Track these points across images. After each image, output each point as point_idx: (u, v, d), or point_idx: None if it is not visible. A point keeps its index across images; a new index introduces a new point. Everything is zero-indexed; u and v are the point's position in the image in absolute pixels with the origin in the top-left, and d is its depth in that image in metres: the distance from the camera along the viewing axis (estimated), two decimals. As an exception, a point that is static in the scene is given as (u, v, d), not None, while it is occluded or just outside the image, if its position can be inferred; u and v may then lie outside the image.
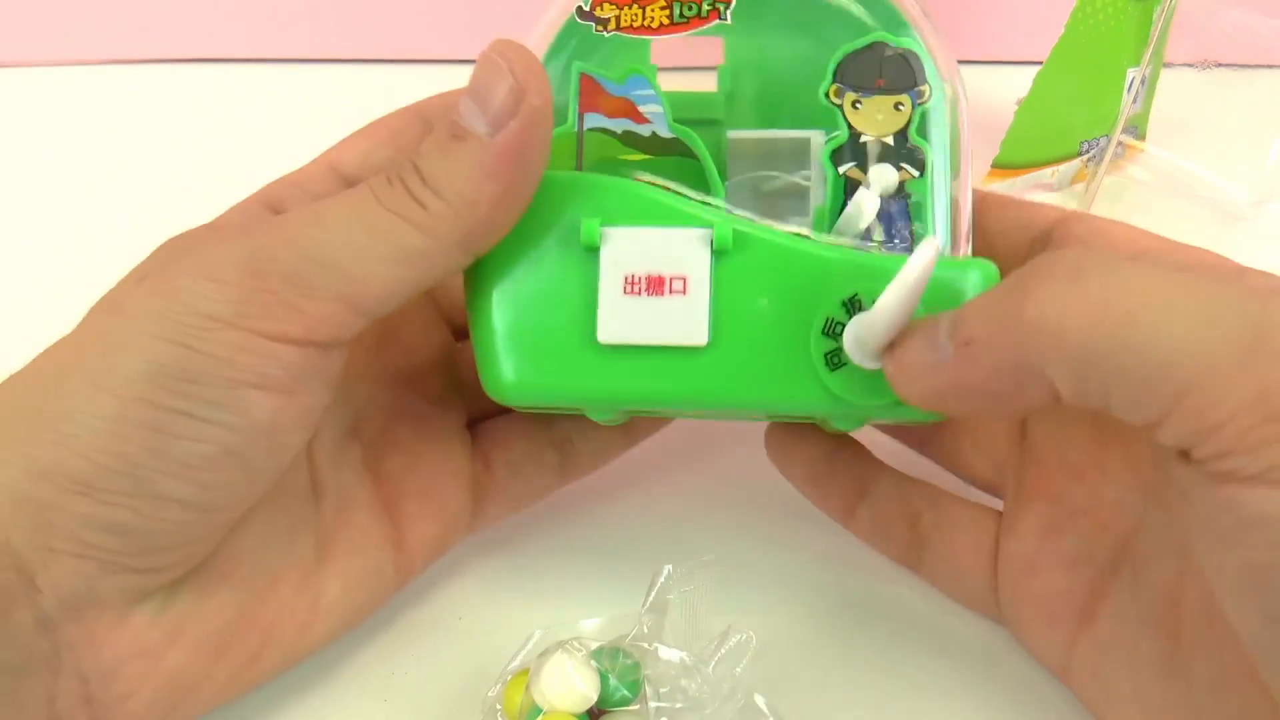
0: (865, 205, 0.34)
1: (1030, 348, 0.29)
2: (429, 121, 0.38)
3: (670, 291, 0.34)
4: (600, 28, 0.36)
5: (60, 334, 0.51)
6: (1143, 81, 0.53)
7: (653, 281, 0.34)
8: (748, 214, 0.35)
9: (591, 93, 0.36)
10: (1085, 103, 0.53)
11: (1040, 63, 0.52)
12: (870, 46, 0.35)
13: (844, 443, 0.40)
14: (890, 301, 0.31)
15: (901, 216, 0.35)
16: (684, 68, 0.36)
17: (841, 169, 0.35)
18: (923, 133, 0.35)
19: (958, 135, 0.35)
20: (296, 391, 0.33)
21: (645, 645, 0.35)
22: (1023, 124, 0.53)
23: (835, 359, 0.33)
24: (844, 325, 0.33)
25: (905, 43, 0.35)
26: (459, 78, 0.34)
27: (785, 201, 0.36)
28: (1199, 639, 0.32)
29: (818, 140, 0.35)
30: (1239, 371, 0.27)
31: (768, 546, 0.42)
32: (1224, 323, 0.27)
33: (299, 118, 0.60)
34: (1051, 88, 0.52)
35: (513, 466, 0.41)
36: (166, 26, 0.63)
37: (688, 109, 0.36)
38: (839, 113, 0.35)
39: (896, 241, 0.34)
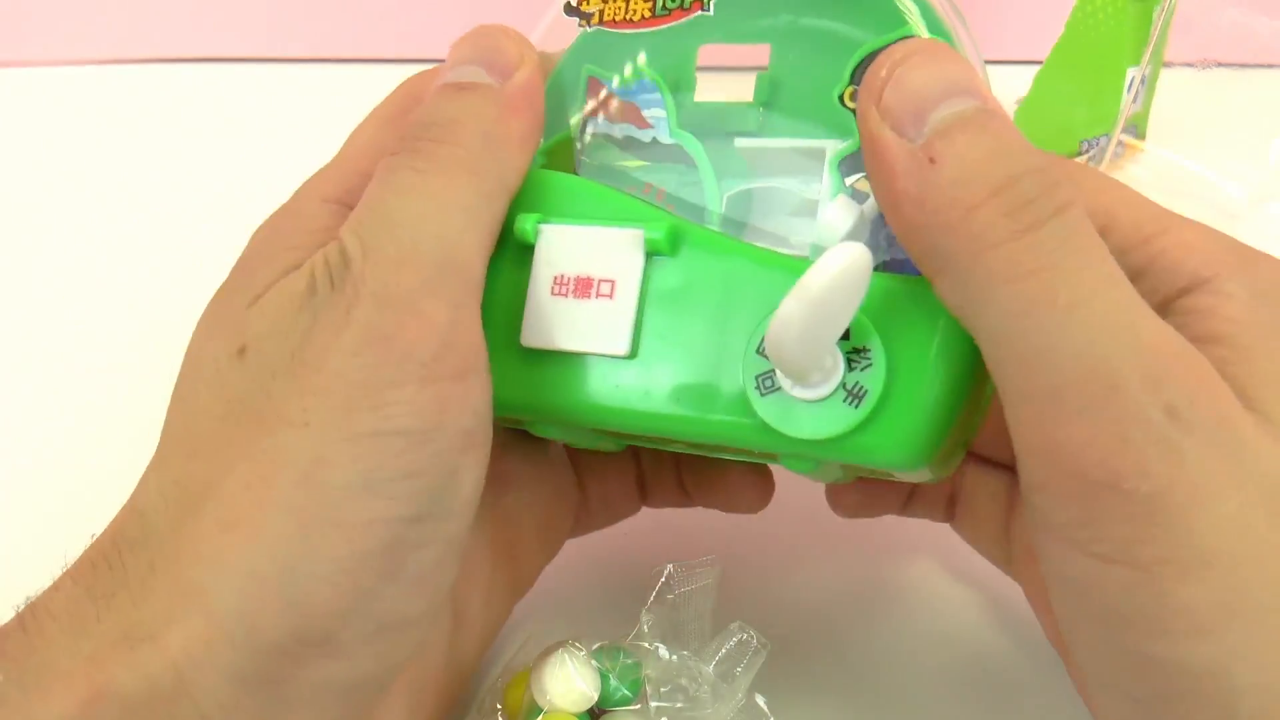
0: (837, 215, 0.31)
1: (949, 241, 0.27)
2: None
3: (597, 295, 0.31)
4: (584, 22, 0.34)
5: (59, 334, 0.52)
6: (1143, 81, 0.53)
7: (581, 283, 0.31)
8: (735, 223, 0.32)
9: (597, 96, 0.34)
10: (1085, 102, 0.54)
11: (1040, 62, 0.52)
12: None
13: None
14: (787, 313, 0.27)
15: None
16: (729, 67, 0.34)
17: (849, 180, 0.31)
18: None
19: None
20: (482, 439, 0.29)
21: (646, 645, 0.35)
22: (1023, 123, 0.53)
23: (767, 382, 0.29)
24: None
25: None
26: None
27: (797, 217, 0.33)
28: None
29: (833, 149, 0.32)
30: (1073, 413, 0.25)
31: (770, 546, 0.41)
32: (1096, 361, 0.25)
33: (299, 118, 0.60)
34: (1051, 87, 0.52)
35: (605, 499, 0.39)
36: (166, 26, 0.63)
37: (718, 120, 0.33)
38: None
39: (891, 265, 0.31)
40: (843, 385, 0.29)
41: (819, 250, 0.30)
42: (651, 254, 0.31)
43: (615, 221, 0.31)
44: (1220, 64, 0.53)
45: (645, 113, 0.33)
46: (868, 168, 0.29)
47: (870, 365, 0.29)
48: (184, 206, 0.57)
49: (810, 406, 0.29)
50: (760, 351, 0.29)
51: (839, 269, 0.26)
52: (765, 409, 0.29)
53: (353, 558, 0.27)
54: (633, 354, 0.31)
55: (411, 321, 0.28)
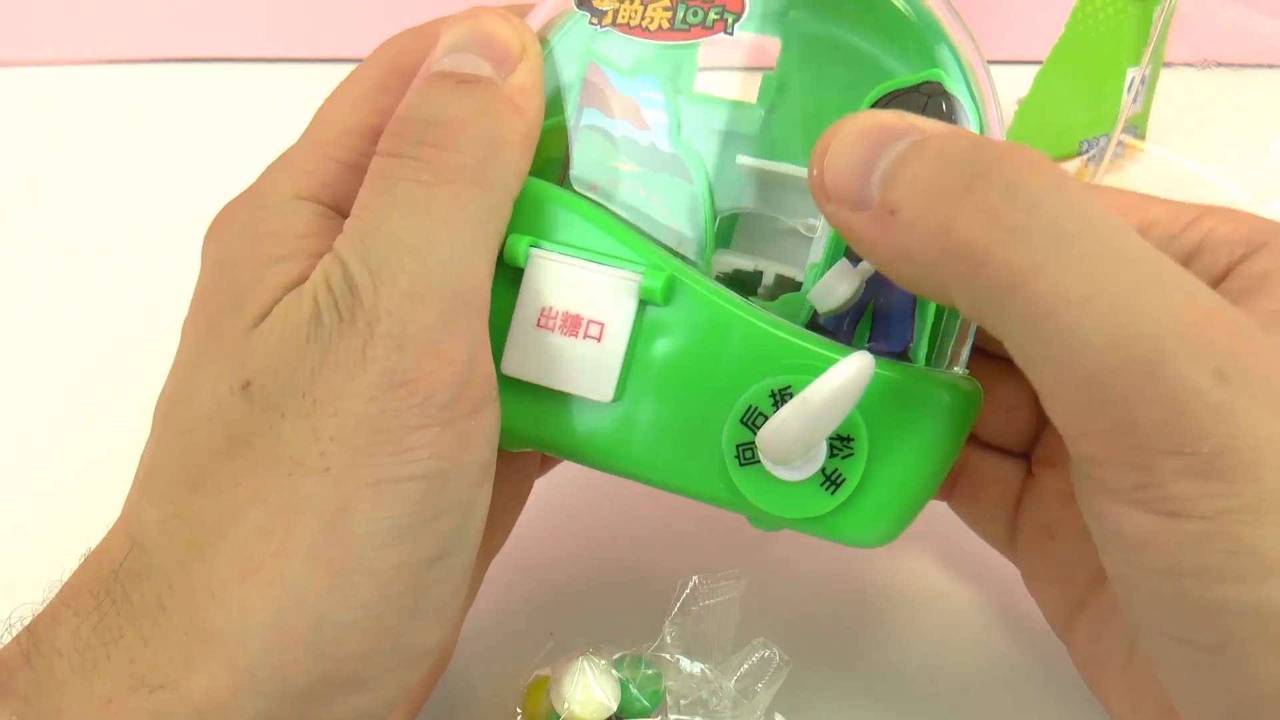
0: (837, 284, 0.30)
1: (945, 272, 0.27)
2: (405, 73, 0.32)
3: (585, 335, 0.30)
4: (596, 20, 0.32)
5: (58, 333, 0.51)
6: (1143, 81, 0.54)
7: (569, 320, 0.31)
8: (730, 260, 0.31)
9: (597, 86, 0.33)
10: (1085, 102, 0.54)
11: (1040, 62, 0.52)
12: (917, 87, 0.30)
13: None
14: (788, 419, 0.28)
15: (903, 309, 0.31)
16: (731, 67, 0.33)
17: None
18: None
19: None
20: (493, 466, 0.29)
21: (668, 656, 0.35)
22: (1023, 124, 0.53)
23: (748, 454, 0.30)
24: (765, 419, 0.29)
25: (957, 90, 0.30)
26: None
27: (788, 245, 0.32)
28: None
29: None
30: (1120, 397, 0.25)
31: (796, 562, 0.41)
32: (1131, 344, 0.25)
33: (299, 118, 0.60)
34: (1051, 87, 0.52)
35: None
36: (166, 26, 0.63)
37: (717, 118, 0.32)
38: None
39: (882, 343, 0.31)
40: (822, 471, 0.29)
41: (806, 308, 0.31)
42: (645, 301, 0.30)
43: (610, 257, 0.31)
44: (1220, 64, 0.53)
45: (645, 113, 0.32)
46: (861, 255, 0.29)
47: (852, 455, 0.29)
48: (184, 207, 0.56)
49: (787, 486, 0.30)
50: (744, 422, 0.30)
51: (842, 385, 0.27)
52: (742, 479, 0.30)
53: (381, 603, 0.27)
54: (616, 402, 0.31)
55: (431, 364, 0.27)
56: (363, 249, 0.28)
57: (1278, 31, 0.52)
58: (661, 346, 0.31)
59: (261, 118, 0.61)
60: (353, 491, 0.27)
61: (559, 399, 0.31)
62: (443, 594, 0.29)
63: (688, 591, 0.35)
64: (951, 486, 0.38)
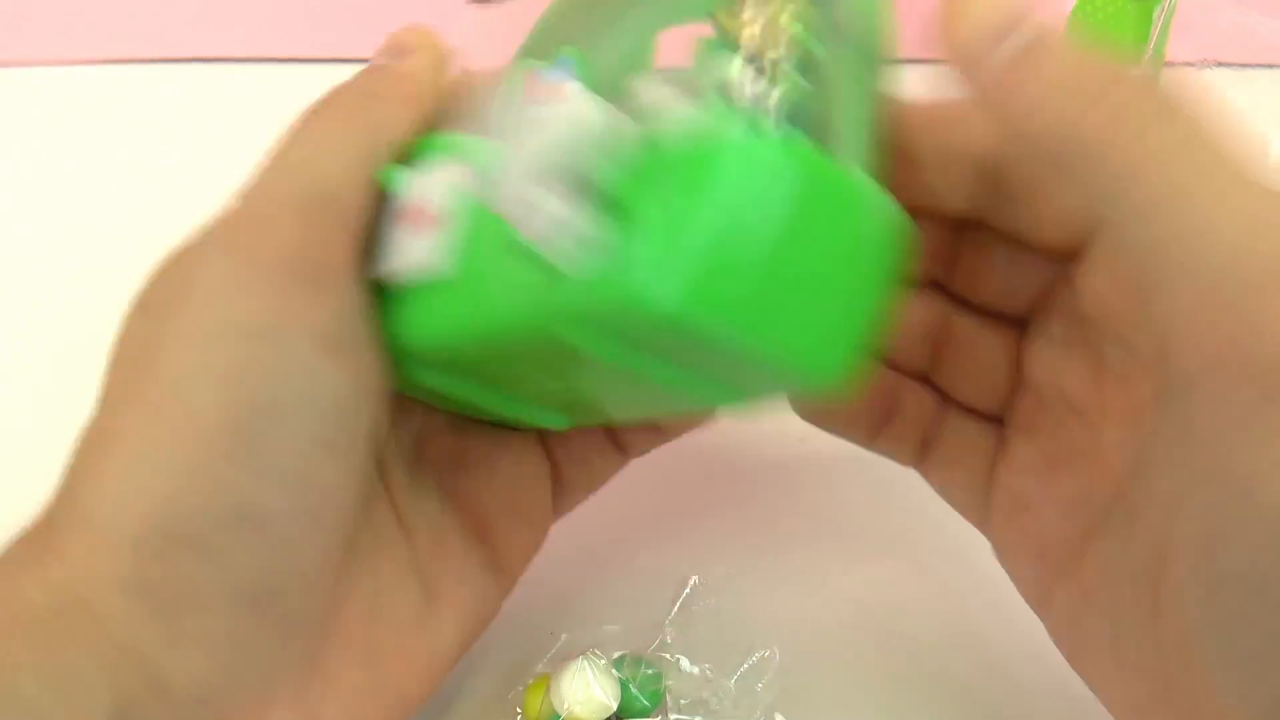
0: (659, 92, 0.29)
1: (1063, 158, 0.26)
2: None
3: (424, 224, 0.31)
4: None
5: (58, 333, 0.51)
6: (1143, 81, 0.54)
7: (412, 211, 0.31)
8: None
9: (530, 88, 0.32)
10: (1085, 102, 0.54)
11: (1041, 62, 0.52)
12: None
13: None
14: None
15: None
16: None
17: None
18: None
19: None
20: (345, 346, 0.31)
21: (668, 656, 0.35)
22: (1023, 123, 0.53)
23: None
24: None
25: None
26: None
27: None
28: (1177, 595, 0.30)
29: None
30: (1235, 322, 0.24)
31: (797, 562, 0.41)
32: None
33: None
34: (1052, 87, 0.52)
35: (582, 464, 0.38)
36: (166, 26, 0.63)
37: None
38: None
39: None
40: (580, 235, 0.27)
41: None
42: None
43: (450, 154, 0.32)
44: (1220, 64, 0.53)
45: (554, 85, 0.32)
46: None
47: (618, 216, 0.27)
48: (184, 207, 0.56)
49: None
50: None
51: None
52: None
53: (201, 445, 0.28)
54: (455, 271, 0.31)
55: (263, 230, 0.30)
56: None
57: (1278, 31, 0.52)
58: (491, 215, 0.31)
59: (261, 118, 0.60)
60: (176, 345, 0.29)
61: (416, 293, 0.31)
62: (276, 450, 0.29)
63: (688, 591, 0.35)
64: (924, 452, 0.37)
